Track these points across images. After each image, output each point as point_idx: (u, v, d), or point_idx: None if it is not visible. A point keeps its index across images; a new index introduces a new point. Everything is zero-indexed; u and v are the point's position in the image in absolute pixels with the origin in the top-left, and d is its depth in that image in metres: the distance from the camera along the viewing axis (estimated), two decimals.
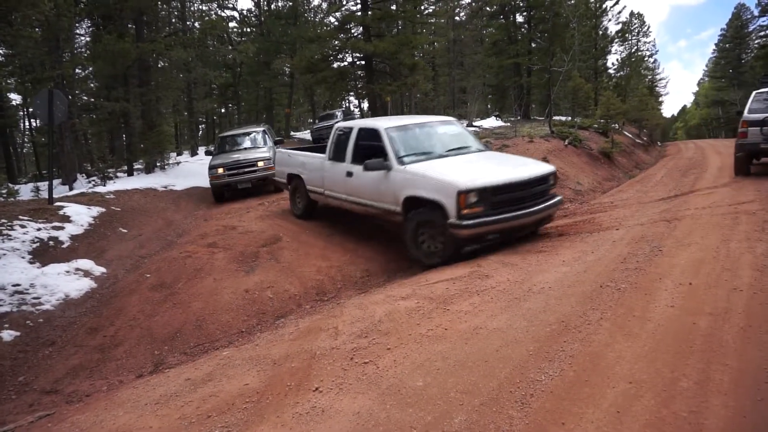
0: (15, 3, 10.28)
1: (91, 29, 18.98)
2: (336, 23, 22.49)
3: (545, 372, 3.06)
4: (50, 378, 5.00)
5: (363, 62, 21.31)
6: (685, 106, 71.94)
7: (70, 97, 13.22)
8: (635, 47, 43.56)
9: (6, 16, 12.71)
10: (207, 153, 13.95)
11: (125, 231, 9.10)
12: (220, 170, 12.12)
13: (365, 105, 26.44)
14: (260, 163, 12.21)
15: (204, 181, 14.11)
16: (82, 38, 20.09)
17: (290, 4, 30.91)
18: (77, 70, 17.10)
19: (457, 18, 36.24)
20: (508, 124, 23.32)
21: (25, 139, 34.14)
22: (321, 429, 2.79)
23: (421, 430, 2.63)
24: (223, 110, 38.17)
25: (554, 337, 3.55)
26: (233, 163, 12.20)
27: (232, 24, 30.98)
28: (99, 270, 7.30)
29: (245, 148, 13.21)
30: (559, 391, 2.85)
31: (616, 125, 21.75)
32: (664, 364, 3.02)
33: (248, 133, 13.98)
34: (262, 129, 14.24)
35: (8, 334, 5.51)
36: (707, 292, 4.06)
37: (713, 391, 2.67)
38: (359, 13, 20.70)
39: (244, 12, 32.69)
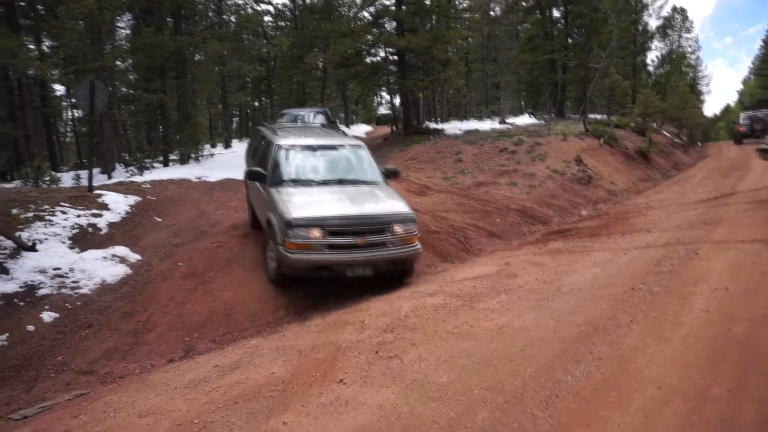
0: None
1: (131, 22, 19.48)
2: (370, 18, 22.49)
3: (571, 373, 3.02)
4: (86, 359, 5.18)
5: (396, 57, 21.27)
6: (728, 105, 69.44)
7: (110, 88, 13.62)
8: (677, 44, 42.20)
9: (52, 8, 13.15)
10: (252, 176, 6.94)
11: (160, 220, 9.33)
12: (316, 232, 5.65)
13: (397, 100, 26.42)
14: (397, 228, 5.94)
15: (237, 173, 14.28)
16: (123, 31, 20.65)
17: None
18: (117, 63, 17.58)
19: (491, 13, 35.78)
20: (542, 121, 22.94)
21: (68, 129, 35.30)
22: (345, 420, 2.82)
23: (443, 425, 2.63)
24: (256, 103, 38.66)
25: (582, 338, 3.50)
26: (347, 220, 5.81)
27: (267, 18, 31.29)
28: (134, 257, 7.51)
29: (339, 181, 6.73)
30: (586, 393, 2.81)
31: (654, 124, 21.17)
32: (696, 369, 2.94)
33: (338, 148, 7.33)
34: (357, 142, 7.77)
35: (48, 316, 5.73)
36: (745, 298, 3.93)
37: (747, 399, 2.60)
38: (393, 8, 20.65)
39: (279, 6, 32.93)
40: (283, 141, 7.03)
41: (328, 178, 6.73)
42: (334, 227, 5.70)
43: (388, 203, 6.36)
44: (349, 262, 5.78)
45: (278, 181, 6.51)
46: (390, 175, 7.29)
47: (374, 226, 5.88)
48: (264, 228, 6.72)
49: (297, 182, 6.55)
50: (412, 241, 6.07)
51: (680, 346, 3.25)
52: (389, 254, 5.89)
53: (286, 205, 5.87)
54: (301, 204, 5.94)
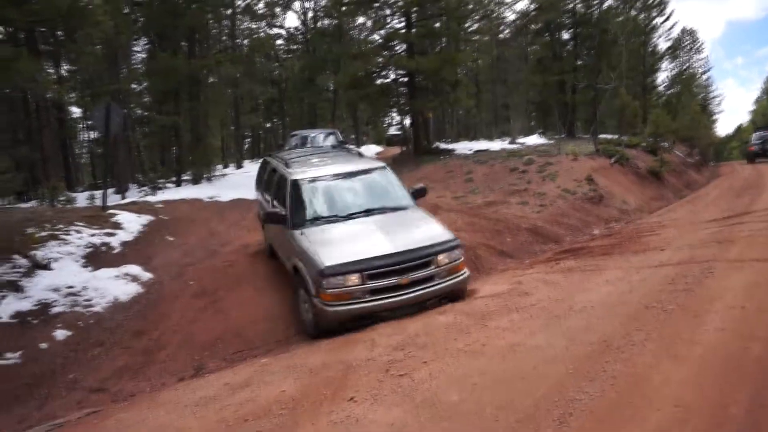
0: (80, 21, 10.92)
1: (146, 46, 19.95)
2: (380, 40, 22.81)
3: (585, 391, 2.98)
4: (98, 377, 5.20)
5: (406, 79, 21.49)
6: (741, 125, 69.14)
7: (125, 110, 13.88)
8: (686, 64, 42.23)
9: (71, 33, 13.50)
10: (270, 219, 6.32)
11: (172, 239, 9.42)
12: (354, 278, 5.00)
13: (407, 121, 26.64)
14: (442, 258, 5.31)
15: (248, 193, 14.39)
16: (139, 55, 21.12)
17: (336, 22, 31.63)
18: (133, 86, 17.96)
19: (501, 35, 36.18)
20: (552, 141, 22.98)
21: (83, 150, 35.91)
22: None
23: None
24: (268, 125, 39.15)
25: (595, 356, 3.45)
26: (388, 260, 5.09)
27: (278, 42, 31.90)
28: (146, 276, 7.57)
29: (367, 211, 6.00)
30: (600, 411, 2.76)
31: (666, 144, 21.08)
32: (713, 388, 2.88)
33: (359, 174, 6.59)
34: (378, 163, 7.14)
35: (61, 333, 5.78)
36: (761, 317, 3.86)
37: (766, 419, 2.53)
38: (403, 31, 20.94)
39: (291, 30, 33.53)
40: (298, 175, 6.34)
41: (355, 210, 6.02)
42: (373, 270, 5.01)
43: (427, 230, 5.65)
44: (395, 306, 5.09)
45: (300, 222, 5.84)
46: (418, 195, 6.63)
47: (418, 261, 5.18)
48: (289, 273, 6.03)
49: (320, 220, 5.87)
50: (459, 269, 5.44)
51: (696, 364, 3.20)
52: (437, 289, 5.26)
53: (315, 251, 5.19)
54: (331, 247, 5.27)
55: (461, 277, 5.46)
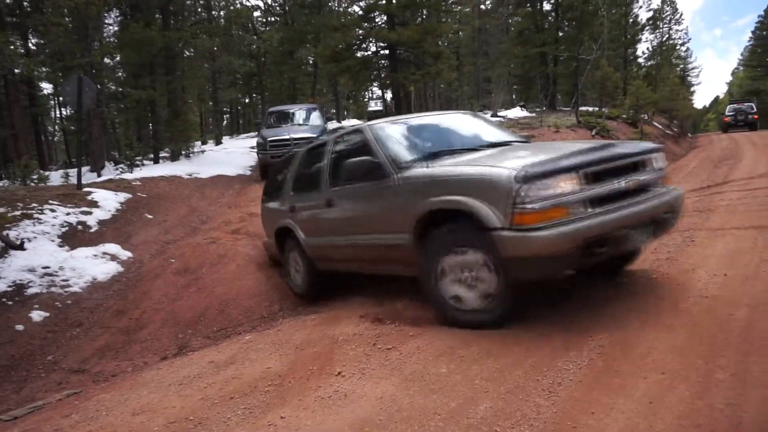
0: None
1: (119, 18, 19.24)
2: (360, 12, 22.35)
3: (573, 361, 2.97)
4: (78, 358, 5.10)
5: (387, 51, 21.15)
6: (717, 96, 69.88)
7: (98, 86, 13.41)
8: (667, 35, 42.32)
9: (38, 4, 12.91)
10: (352, 172, 4.42)
11: (151, 217, 9.21)
12: (565, 183, 3.21)
13: (388, 95, 26.33)
14: (655, 161, 3.90)
15: (228, 170, 14.16)
16: (111, 28, 20.37)
17: None
18: (106, 60, 17.32)
19: (482, 6, 35.73)
20: (534, 114, 22.94)
21: (56, 128, 34.90)
22: (344, 413, 2.76)
23: (445, 416, 2.57)
24: (247, 100, 38.40)
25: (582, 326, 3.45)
26: (604, 152, 3.51)
27: (256, 13, 31.08)
28: (125, 254, 7.41)
29: (491, 144, 4.55)
30: (588, 380, 2.76)
31: (646, 115, 21.20)
32: (698, 355, 2.90)
33: (452, 119, 5.32)
34: (463, 112, 6.35)
35: (38, 315, 5.64)
36: (744, 284, 3.90)
37: (752, 384, 2.55)
38: (383, 2, 20.51)
39: (269, 1, 32.61)
40: (375, 125, 4.89)
41: (478, 143, 4.51)
42: (594, 166, 3.32)
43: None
44: (632, 222, 3.38)
45: (408, 165, 4.13)
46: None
47: (636, 158, 3.67)
48: (406, 241, 3.96)
49: (441, 155, 4.18)
50: (667, 182, 4.05)
51: (681, 331, 3.21)
52: (662, 203, 3.65)
53: (484, 165, 3.54)
54: (501, 158, 3.81)
55: (679, 191, 3.97)
